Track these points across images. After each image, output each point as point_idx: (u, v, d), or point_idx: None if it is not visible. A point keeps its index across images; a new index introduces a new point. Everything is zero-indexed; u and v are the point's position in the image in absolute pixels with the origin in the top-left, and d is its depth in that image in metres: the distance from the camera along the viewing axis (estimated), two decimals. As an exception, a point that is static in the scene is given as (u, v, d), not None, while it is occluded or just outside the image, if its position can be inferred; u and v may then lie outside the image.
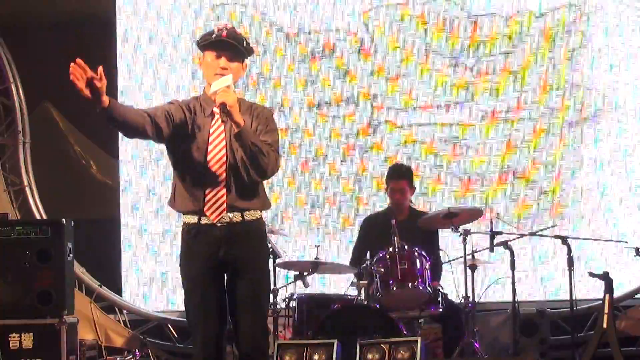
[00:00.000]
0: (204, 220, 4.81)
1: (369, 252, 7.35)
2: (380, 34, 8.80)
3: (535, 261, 8.59)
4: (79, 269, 8.89)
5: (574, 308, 7.40)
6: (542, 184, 8.73)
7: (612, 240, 8.08)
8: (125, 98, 9.20)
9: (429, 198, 8.70)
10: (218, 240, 4.79)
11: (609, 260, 8.40)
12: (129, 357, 8.56)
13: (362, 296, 7.18)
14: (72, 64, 4.30)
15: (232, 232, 4.79)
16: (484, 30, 8.69)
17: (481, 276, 7.50)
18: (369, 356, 6.70)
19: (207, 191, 4.78)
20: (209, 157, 4.80)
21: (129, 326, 9.06)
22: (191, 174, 4.84)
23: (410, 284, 7.04)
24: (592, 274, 7.22)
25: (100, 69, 4.38)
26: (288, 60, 8.90)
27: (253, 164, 4.74)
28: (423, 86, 8.76)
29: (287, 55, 8.91)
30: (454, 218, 7.31)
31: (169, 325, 9.11)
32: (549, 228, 7.57)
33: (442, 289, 7.29)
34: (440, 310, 7.17)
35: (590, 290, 7.97)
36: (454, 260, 7.48)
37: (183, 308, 4.98)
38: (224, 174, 4.78)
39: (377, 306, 7.03)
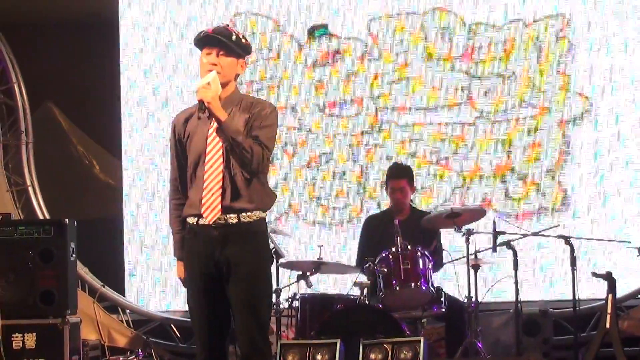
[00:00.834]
0: (201, 221, 4.81)
1: (371, 252, 7.33)
2: (384, 41, 9.07)
3: (538, 261, 8.59)
4: (82, 269, 8.89)
5: (577, 308, 7.40)
6: (541, 183, 8.82)
7: (614, 240, 8.09)
8: (126, 97, 9.21)
9: (428, 196, 8.85)
10: (214, 241, 4.79)
11: (611, 260, 8.40)
12: (131, 357, 8.56)
13: (365, 296, 7.17)
14: None
15: (227, 233, 4.78)
16: (479, 37, 8.97)
17: (484, 276, 7.50)
18: (372, 356, 6.71)
19: (204, 192, 4.79)
20: (206, 159, 4.81)
21: (131, 326, 9.05)
22: (191, 175, 4.87)
23: (413, 284, 7.05)
24: (595, 274, 7.22)
25: None
26: (300, 66, 9.12)
27: (235, 159, 4.73)
28: (423, 89, 9.00)
29: (299, 61, 9.13)
30: (457, 218, 7.31)
31: (172, 325, 9.11)
32: (552, 228, 7.57)
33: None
34: (443, 310, 7.16)
35: (593, 291, 7.97)
36: (456, 260, 7.48)
37: (186, 308, 4.99)
38: (220, 175, 4.78)
39: (380, 306, 7.03)
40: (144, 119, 9.19)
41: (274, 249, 7.33)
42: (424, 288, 7.05)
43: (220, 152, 4.80)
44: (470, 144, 8.91)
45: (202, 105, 4.70)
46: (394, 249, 7.08)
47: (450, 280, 7.50)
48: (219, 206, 4.77)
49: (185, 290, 4.94)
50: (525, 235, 7.50)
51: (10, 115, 9.39)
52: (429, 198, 8.80)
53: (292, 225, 8.89)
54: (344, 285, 7.79)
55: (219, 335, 4.87)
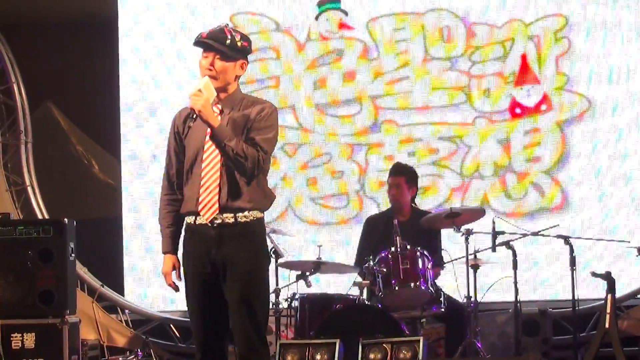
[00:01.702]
0: (199, 220, 4.81)
1: (371, 252, 7.32)
2: (383, 40, 9.06)
3: (537, 261, 8.59)
4: (81, 269, 8.89)
5: (576, 308, 7.41)
6: (540, 183, 8.82)
7: (614, 240, 8.09)
8: (125, 97, 9.21)
9: (428, 194, 8.85)
10: (211, 240, 4.79)
11: (611, 260, 8.40)
12: (131, 357, 8.56)
13: (365, 296, 7.17)
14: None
15: (224, 233, 4.78)
16: (479, 37, 8.97)
17: (483, 276, 7.49)
18: (371, 356, 6.71)
19: (201, 190, 4.79)
20: (204, 156, 4.81)
21: (131, 326, 9.06)
22: (187, 172, 4.87)
23: (412, 284, 7.05)
24: (594, 274, 7.22)
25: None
26: (300, 65, 9.12)
27: (231, 163, 4.73)
28: (422, 88, 9.00)
29: (299, 60, 9.13)
30: (456, 218, 7.31)
31: (171, 325, 9.11)
32: (551, 228, 7.57)
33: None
34: (443, 310, 7.16)
35: (592, 290, 7.98)
36: (456, 260, 7.48)
37: (185, 307, 4.99)
38: (218, 173, 4.78)
39: (380, 306, 7.03)
40: (143, 118, 9.19)
41: (273, 249, 7.33)
42: (423, 288, 7.05)
43: (217, 151, 4.79)
44: (470, 144, 8.91)
45: (192, 113, 4.70)
46: (393, 249, 7.08)
47: (450, 280, 7.51)
48: (216, 205, 4.76)
49: (184, 289, 4.93)
50: (524, 235, 7.50)
51: (10, 114, 9.38)
52: (428, 198, 8.80)
53: (291, 225, 8.89)
54: (340, 284, 7.80)
55: (217, 335, 4.87)
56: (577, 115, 8.81)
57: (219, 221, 4.77)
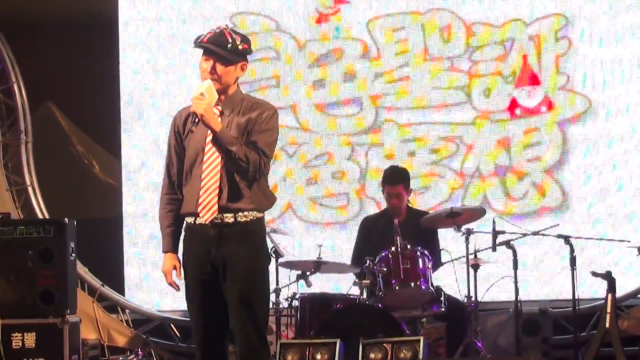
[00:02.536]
0: (199, 220, 4.82)
1: (369, 253, 7.32)
2: (383, 40, 9.07)
3: (537, 260, 8.59)
4: (82, 269, 8.89)
5: (577, 307, 7.41)
6: (541, 183, 8.83)
7: (614, 240, 8.09)
8: (125, 97, 9.21)
9: (428, 194, 8.87)
10: (211, 240, 4.80)
11: (611, 259, 8.40)
12: (131, 357, 8.56)
13: (365, 296, 7.18)
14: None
15: (223, 233, 4.79)
16: (478, 37, 8.98)
17: (484, 275, 7.49)
18: (372, 356, 6.71)
19: (201, 192, 4.79)
20: (204, 157, 4.81)
21: (131, 326, 9.06)
22: (187, 173, 4.87)
23: (412, 284, 7.05)
24: (594, 274, 7.22)
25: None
26: (299, 65, 9.12)
27: (233, 167, 4.74)
28: (422, 88, 9.00)
29: (298, 61, 9.13)
30: (457, 217, 7.32)
31: (172, 325, 9.11)
32: (551, 227, 7.57)
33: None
34: (443, 309, 7.16)
35: (592, 290, 7.98)
36: (456, 259, 7.48)
37: (185, 307, 4.99)
38: (218, 175, 4.78)
39: (380, 305, 7.03)
40: (144, 118, 9.19)
41: (273, 249, 7.33)
42: (423, 287, 7.05)
43: (218, 152, 4.79)
44: (470, 144, 8.91)
45: (195, 117, 4.70)
46: (393, 249, 7.09)
47: (450, 280, 7.51)
48: (216, 205, 4.77)
49: (184, 289, 4.94)
50: (524, 235, 7.50)
51: (10, 114, 9.39)
52: (428, 198, 8.81)
53: (291, 225, 8.89)
54: (344, 284, 7.80)
55: (217, 335, 4.88)
56: (577, 115, 8.81)
57: (218, 221, 4.78)
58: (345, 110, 9.05)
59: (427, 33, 8.99)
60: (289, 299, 7.43)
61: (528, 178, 8.84)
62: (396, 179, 7.69)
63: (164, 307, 9.07)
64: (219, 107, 4.86)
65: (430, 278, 7.13)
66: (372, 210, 8.70)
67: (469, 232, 7.29)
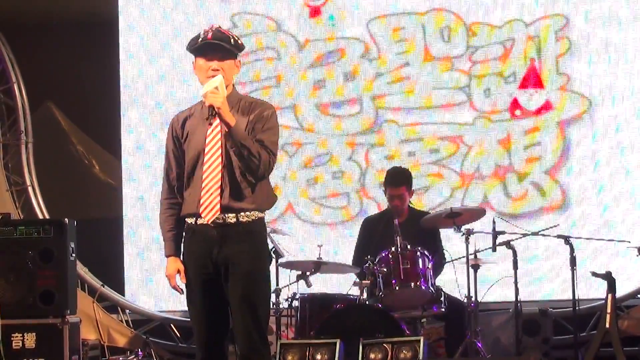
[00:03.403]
0: (200, 221, 4.82)
1: (370, 253, 7.31)
2: (383, 40, 9.07)
3: (537, 261, 8.59)
4: (82, 269, 8.89)
5: (577, 308, 7.40)
6: (541, 183, 8.84)
7: (614, 240, 8.09)
8: (125, 97, 9.21)
9: (428, 194, 8.88)
10: (212, 240, 4.80)
11: (611, 259, 8.40)
12: (131, 357, 8.56)
13: (365, 296, 7.17)
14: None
15: (225, 233, 4.79)
16: (479, 37, 8.98)
17: (484, 276, 7.49)
18: (372, 356, 6.71)
19: (202, 192, 4.79)
20: (205, 159, 4.81)
21: (131, 326, 9.06)
22: (188, 175, 4.87)
23: (412, 284, 7.05)
24: (594, 274, 7.22)
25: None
26: (299, 66, 9.14)
27: (243, 164, 4.75)
28: (423, 88, 9.00)
29: (299, 61, 9.14)
30: (457, 218, 7.31)
31: (172, 325, 9.11)
32: (551, 228, 7.57)
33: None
34: (443, 309, 7.16)
35: (592, 290, 7.97)
36: (456, 260, 7.48)
37: (185, 307, 4.99)
38: (219, 175, 4.78)
39: (380, 306, 7.03)
40: (144, 118, 9.19)
41: (273, 249, 7.33)
42: (423, 288, 7.05)
43: (219, 152, 4.79)
44: (470, 144, 8.91)
45: (212, 111, 4.71)
46: (393, 249, 7.08)
47: (450, 280, 7.51)
48: (218, 206, 4.77)
49: (184, 289, 4.94)
50: (524, 235, 7.50)
51: (10, 115, 9.39)
52: (428, 198, 8.81)
53: (291, 225, 8.90)
54: (344, 285, 7.80)
55: (218, 335, 4.88)
56: (577, 115, 8.81)
57: (220, 221, 4.78)
58: (345, 110, 9.06)
59: (428, 33, 8.99)
60: (289, 299, 7.43)
61: (528, 178, 8.84)
62: (399, 181, 7.68)
63: (163, 307, 9.07)
64: (219, 107, 4.86)
65: (431, 278, 7.13)
66: (372, 210, 8.71)
67: (469, 233, 7.29)
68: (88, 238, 8.24)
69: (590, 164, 8.76)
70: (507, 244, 7.34)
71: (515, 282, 7.34)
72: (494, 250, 7.33)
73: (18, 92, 9.36)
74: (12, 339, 7.39)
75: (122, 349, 8.89)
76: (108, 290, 9.09)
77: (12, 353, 7.33)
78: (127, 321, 9.08)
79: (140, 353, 8.45)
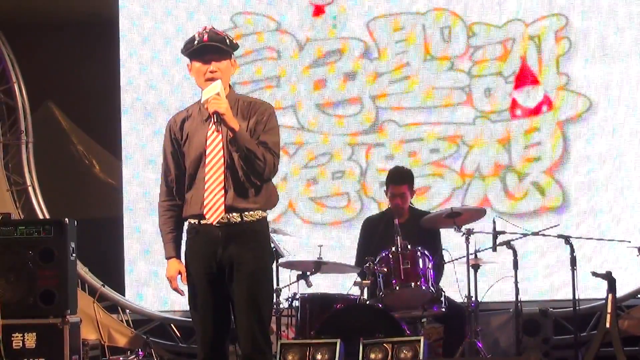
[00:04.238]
0: (203, 221, 4.82)
1: (371, 253, 7.31)
2: (383, 40, 9.08)
3: (538, 260, 8.59)
4: (82, 269, 8.89)
5: (577, 308, 7.41)
6: (541, 183, 8.84)
7: (614, 240, 8.08)
8: (126, 97, 9.22)
9: (429, 194, 8.87)
10: (216, 240, 4.80)
11: (611, 259, 8.40)
12: (131, 357, 8.56)
13: (365, 296, 7.17)
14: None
15: (230, 233, 4.79)
16: (479, 37, 8.98)
17: (484, 275, 7.50)
18: (372, 356, 6.71)
19: (206, 194, 4.79)
20: (207, 160, 4.81)
21: (131, 326, 9.06)
22: (190, 177, 4.87)
23: (413, 284, 7.05)
24: (595, 274, 7.22)
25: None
26: (300, 65, 9.14)
27: (248, 167, 4.75)
28: (422, 88, 9.01)
29: (299, 60, 9.15)
30: (457, 218, 7.31)
31: (172, 325, 9.12)
32: (551, 227, 7.57)
33: (444, 292, 7.29)
34: (443, 310, 7.16)
35: (593, 290, 7.97)
36: (456, 259, 7.48)
37: (186, 307, 4.99)
38: (222, 176, 4.78)
39: (380, 306, 7.03)
40: (144, 118, 9.20)
41: (274, 249, 7.32)
42: (423, 288, 7.05)
43: (221, 152, 4.79)
44: (470, 144, 8.92)
45: (217, 118, 4.70)
46: (394, 249, 7.08)
47: (451, 280, 7.51)
48: (222, 206, 4.77)
49: (185, 289, 4.94)
50: (525, 235, 7.50)
51: (11, 114, 9.39)
52: (428, 198, 8.82)
53: (291, 225, 8.89)
54: (345, 285, 7.80)
55: (221, 335, 4.88)
56: (577, 115, 8.81)
57: (225, 221, 4.78)
58: (346, 110, 9.07)
59: (428, 33, 9.00)
60: (290, 299, 7.43)
61: (528, 178, 8.84)
62: (401, 179, 7.68)
63: (164, 307, 9.07)
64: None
65: (431, 278, 7.12)
66: (373, 209, 8.71)
67: (469, 232, 7.28)
68: (88, 238, 8.24)
69: (590, 163, 8.77)
70: (508, 244, 7.34)
71: (516, 282, 7.34)
72: (494, 250, 7.33)
73: (18, 92, 9.36)
74: (12, 338, 7.39)
75: (123, 349, 8.89)
76: (108, 290, 9.09)
77: (12, 353, 7.33)
78: (127, 321, 9.08)
79: (140, 353, 8.46)
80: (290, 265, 7.51)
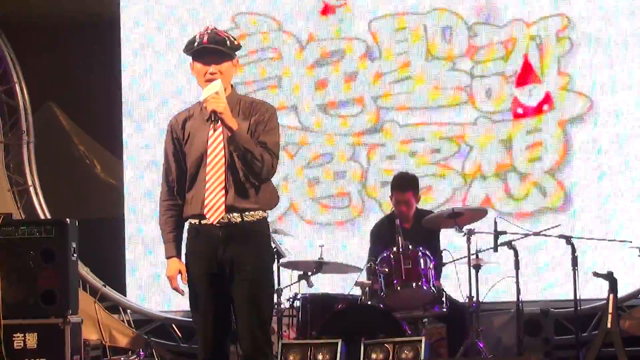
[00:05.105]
0: (204, 221, 4.82)
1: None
2: (385, 41, 9.08)
3: (539, 261, 8.59)
4: (83, 269, 8.89)
5: (578, 308, 7.41)
6: (542, 183, 8.83)
7: (616, 240, 8.08)
8: (127, 97, 9.22)
9: (430, 194, 8.84)
10: (217, 240, 4.80)
11: (613, 259, 8.39)
12: (133, 357, 8.56)
13: (366, 296, 7.17)
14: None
15: (230, 233, 4.78)
16: (480, 37, 8.98)
17: (485, 276, 7.49)
18: (373, 356, 6.71)
19: (206, 194, 4.79)
20: (208, 160, 4.81)
21: (133, 326, 9.07)
22: (191, 176, 4.87)
23: (414, 284, 7.05)
24: (596, 274, 7.21)
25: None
26: (301, 65, 9.15)
27: (246, 167, 4.75)
28: (424, 89, 9.01)
29: (301, 61, 9.15)
30: (458, 218, 7.31)
31: (173, 325, 9.12)
32: (553, 228, 7.56)
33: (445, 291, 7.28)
34: (444, 310, 7.16)
35: (594, 290, 7.97)
36: (457, 260, 7.47)
37: (187, 308, 4.99)
38: (223, 176, 4.78)
39: (381, 306, 7.03)
40: (145, 118, 9.20)
41: (275, 249, 7.32)
42: (425, 288, 7.05)
43: (222, 152, 4.79)
44: (471, 144, 8.92)
45: (215, 117, 4.70)
46: (395, 249, 7.08)
47: (452, 280, 7.51)
48: (223, 206, 4.77)
49: (185, 289, 4.94)
50: (526, 235, 7.49)
51: (12, 115, 9.40)
52: (429, 198, 8.80)
53: (293, 225, 8.90)
54: (346, 285, 7.80)
55: (222, 335, 4.88)
56: (579, 115, 8.81)
57: (225, 221, 4.78)
58: (347, 110, 9.07)
59: (429, 33, 9.00)
60: (291, 300, 7.43)
61: (530, 178, 8.84)
62: (405, 186, 7.64)
63: (165, 308, 9.07)
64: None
65: (432, 278, 7.12)
66: (375, 210, 8.73)
67: (470, 233, 7.28)
68: (89, 238, 8.23)
69: (592, 164, 8.76)
70: (509, 244, 7.33)
71: (517, 282, 7.34)
72: (496, 250, 7.32)
73: (19, 92, 9.37)
74: (13, 339, 7.38)
75: (124, 349, 8.89)
76: (109, 291, 9.09)
77: (13, 353, 7.32)
78: (128, 321, 9.09)
79: (141, 353, 8.46)
80: (291, 265, 7.51)
